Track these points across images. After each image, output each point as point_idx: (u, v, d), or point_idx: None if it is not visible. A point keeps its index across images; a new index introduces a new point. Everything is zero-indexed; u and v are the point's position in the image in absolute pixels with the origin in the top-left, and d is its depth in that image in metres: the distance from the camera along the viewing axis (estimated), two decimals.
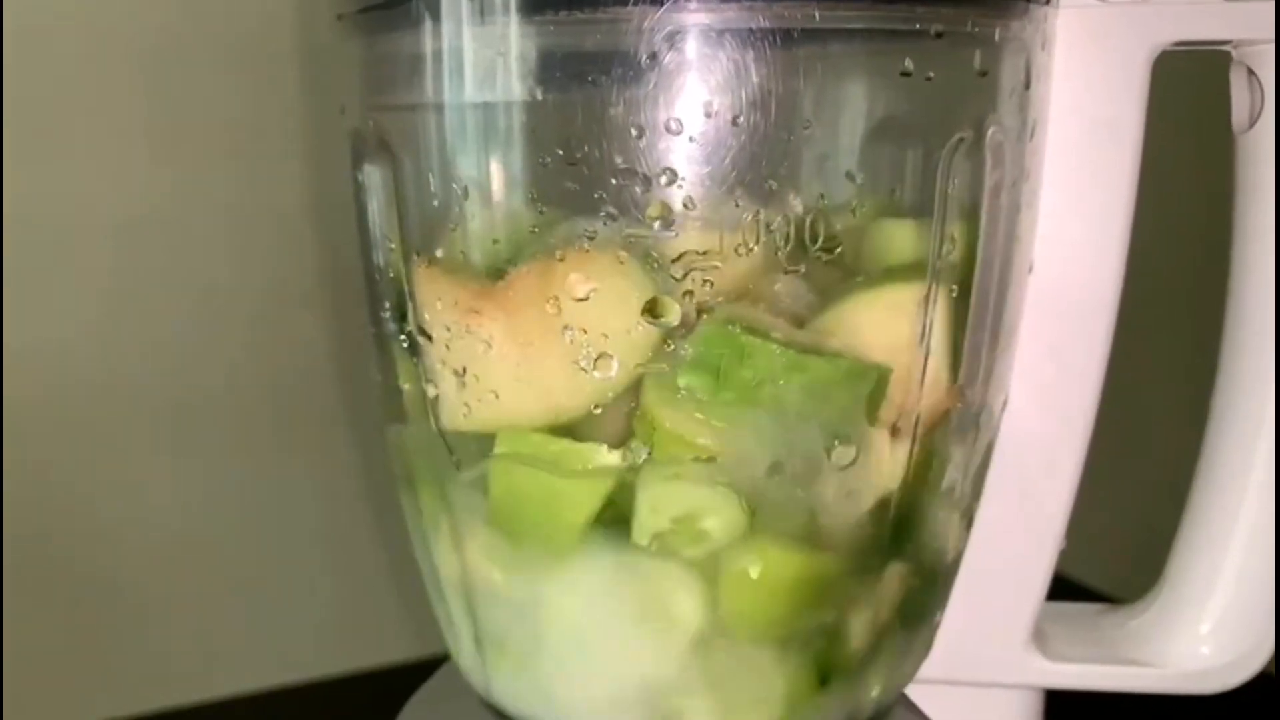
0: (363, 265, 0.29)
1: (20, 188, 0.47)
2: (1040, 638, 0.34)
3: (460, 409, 0.26)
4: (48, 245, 0.48)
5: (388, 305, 0.28)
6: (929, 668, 0.32)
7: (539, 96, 0.24)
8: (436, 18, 0.25)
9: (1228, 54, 0.30)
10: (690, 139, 0.23)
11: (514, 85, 0.24)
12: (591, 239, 0.24)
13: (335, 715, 0.53)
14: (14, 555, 0.49)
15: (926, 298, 0.25)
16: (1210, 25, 0.29)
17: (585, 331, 0.24)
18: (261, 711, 0.54)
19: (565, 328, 0.24)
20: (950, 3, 0.24)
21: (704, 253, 0.23)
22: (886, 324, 0.25)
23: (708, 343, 0.24)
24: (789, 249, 0.24)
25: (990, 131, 0.25)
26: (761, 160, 0.23)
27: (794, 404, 0.24)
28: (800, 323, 0.24)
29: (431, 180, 0.26)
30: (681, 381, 0.24)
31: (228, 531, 0.54)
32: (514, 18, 0.24)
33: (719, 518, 0.24)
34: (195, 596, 0.54)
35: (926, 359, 0.25)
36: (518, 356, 0.25)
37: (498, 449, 0.25)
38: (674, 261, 0.23)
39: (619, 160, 0.23)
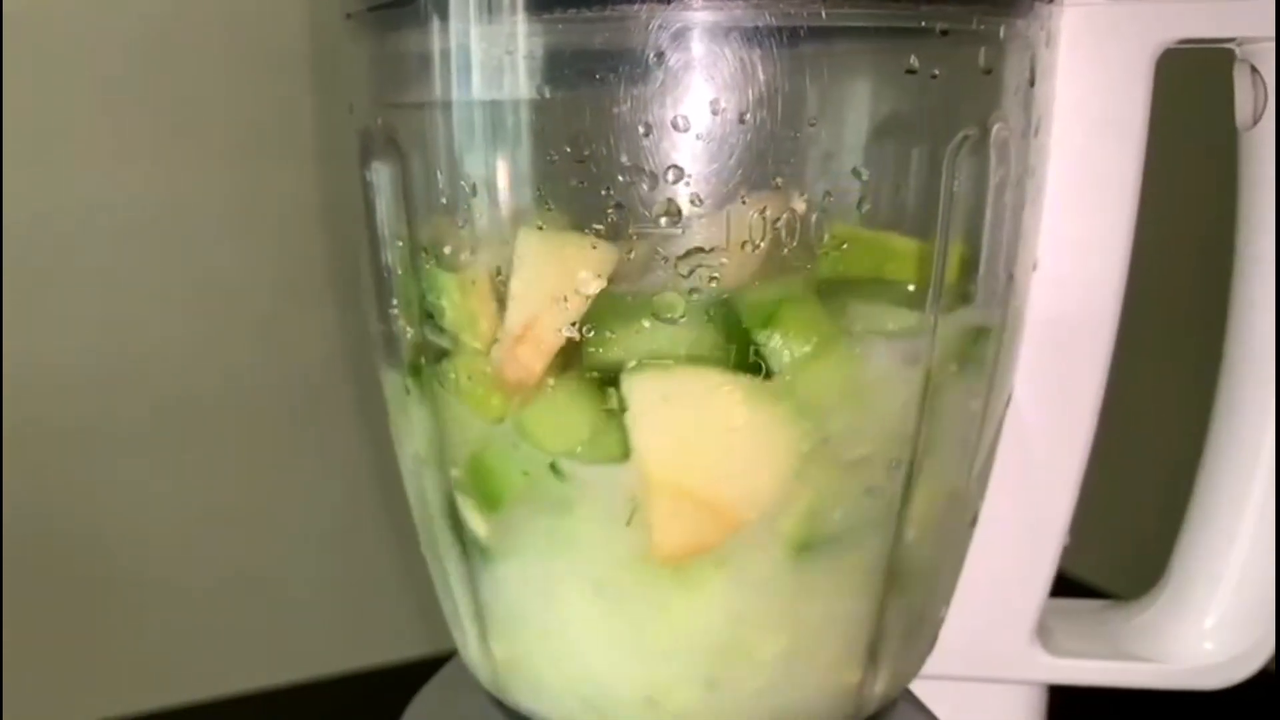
0: (370, 263, 0.29)
1: (25, 188, 0.47)
2: (1044, 633, 0.34)
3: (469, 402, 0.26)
4: (53, 245, 0.48)
5: (395, 303, 0.28)
6: (933, 663, 0.32)
7: (546, 95, 0.24)
8: (445, 16, 0.25)
9: (1231, 52, 0.30)
10: (697, 136, 0.23)
11: (521, 83, 0.24)
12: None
13: (343, 712, 0.53)
14: (16, 553, 0.49)
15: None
16: (1214, 23, 0.29)
17: None
18: (269, 709, 0.54)
19: None
20: (955, 1, 0.24)
21: (710, 249, 0.24)
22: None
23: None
24: (795, 246, 0.24)
25: (995, 129, 0.26)
26: (768, 157, 0.23)
27: None
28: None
29: (440, 178, 0.26)
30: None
31: (233, 530, 0.54)
32: (521, 16, 0.24)
33: None
34: (201, 594, 0.54)
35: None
36: None
37: None
38: (680, 258, 0.24)
39: (626, 158, 0.23)
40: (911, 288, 0.25)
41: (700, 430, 0.25)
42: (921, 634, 0.31)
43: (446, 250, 0.26)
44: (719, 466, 0.25)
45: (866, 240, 0.25)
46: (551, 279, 0.24)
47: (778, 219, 0.23)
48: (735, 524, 0.25)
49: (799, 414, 0.24)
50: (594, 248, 0.24)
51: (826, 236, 0.24)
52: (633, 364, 0.24)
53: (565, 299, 0.24)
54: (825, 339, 0.24)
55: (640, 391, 0.24)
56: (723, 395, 0.24)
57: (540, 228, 0.24)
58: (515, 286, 0.25)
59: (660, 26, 0.23)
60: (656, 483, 0.25)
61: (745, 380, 0.24)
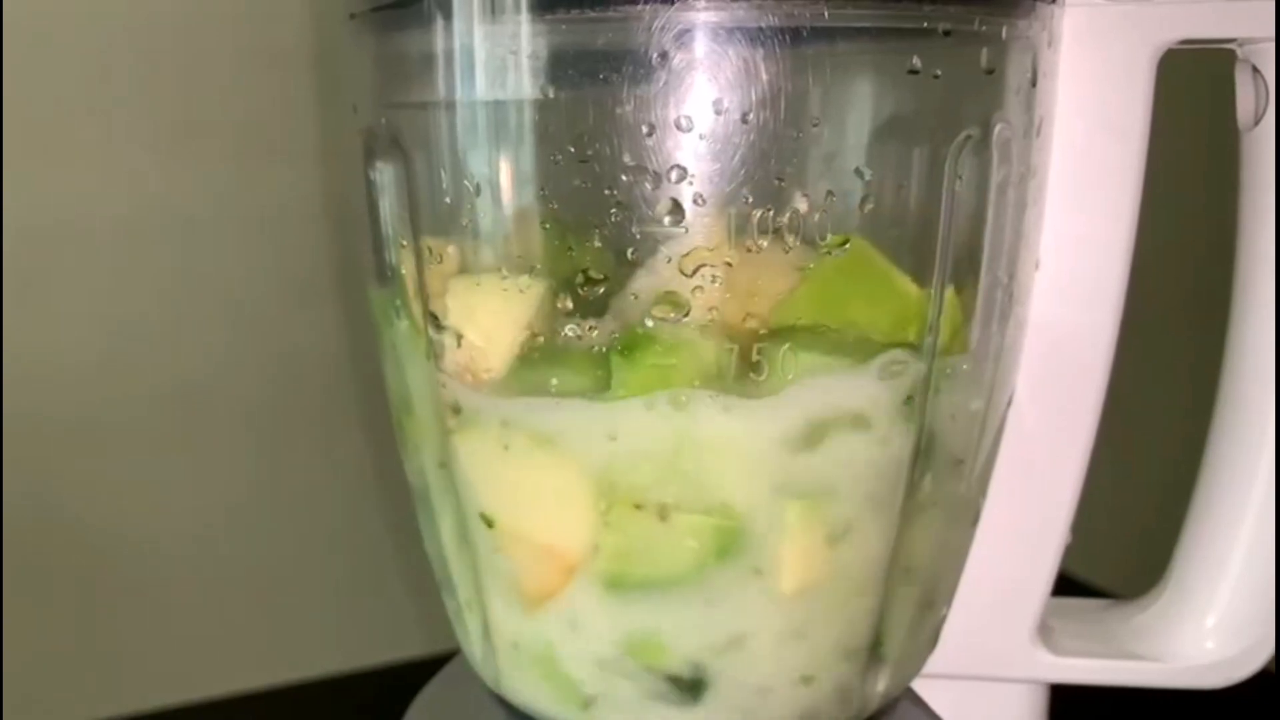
0: (374, 263, 0.29)
1: (26, 188, 0.47)
2: (1045, 632, 0.34)
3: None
4: (54, 245, 0.48)
5: (398, 302, 0.28)
6: (935, 662, 0.32)
7: (550, 94, 0.24)
8: (448, 16, 0.25)
9: (1232, 52, 0.30)
10: (700, 136, 0.23)
11: (525, 83, 0.25)
12: None
13: (343, 712, 0.53)
14: (16, 553, 0.50)
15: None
16: (1215, 24, 0.29)
17: None
18: (269, 709, 0.54)
19: None
20: (957, 1, 0.24)
21: (713, 249, 0.24)
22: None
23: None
24: (798, 245, 0.24)
25: (997, 129, 0.26)
26: (770, 157, 0.23)
27: None
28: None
29: (443, 178, 0.26)
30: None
31: (236, 529, 0.54)
32: (525, 16, 0.24)
33: None
34: (201, 594, 0.54)
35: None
36: None
37: None
38: (684, 257, 0.24)
39: (629, 158, 0.23)
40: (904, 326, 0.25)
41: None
42: (923, 633, 0.31)
43: (450, 250, 0.26)
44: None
45: (868, 257, 0.25)
46: (482, 326, 0.26)
47: (780, 218, 0.24)
48: None
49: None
50: (521, 291, 0.25)
51: (829, 236, 0.24)
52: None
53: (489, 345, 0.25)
54: None
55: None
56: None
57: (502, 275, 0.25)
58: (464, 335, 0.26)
59: (664, 27, 0.23)
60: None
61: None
